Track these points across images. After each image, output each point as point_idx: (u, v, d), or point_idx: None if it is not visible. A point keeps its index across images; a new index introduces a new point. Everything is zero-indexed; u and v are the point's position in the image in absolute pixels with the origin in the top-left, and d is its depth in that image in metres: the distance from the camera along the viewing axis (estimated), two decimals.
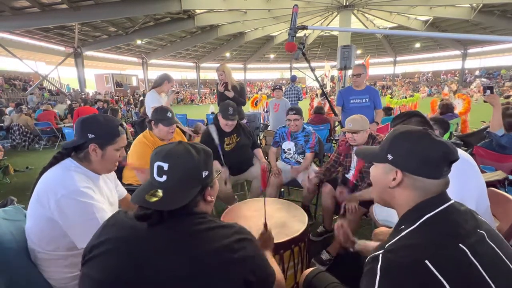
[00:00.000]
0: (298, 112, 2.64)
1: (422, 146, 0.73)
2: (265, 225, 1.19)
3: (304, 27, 2.30)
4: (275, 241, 1.20)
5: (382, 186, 0.82)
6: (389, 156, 0.77)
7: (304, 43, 2.57)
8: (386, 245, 0.69)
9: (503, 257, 0.65)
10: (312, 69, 3.27)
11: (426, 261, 0.60)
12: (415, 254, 0.63)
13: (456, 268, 0.60)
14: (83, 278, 0.74)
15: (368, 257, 0.69)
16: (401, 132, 0.78)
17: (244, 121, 3.71)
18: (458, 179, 1.26)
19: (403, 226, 0.73)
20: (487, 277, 0.60)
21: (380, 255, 0.65)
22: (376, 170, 0.84)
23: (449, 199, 0.73)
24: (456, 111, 4.90)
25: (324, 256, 2.04)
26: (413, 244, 0.66)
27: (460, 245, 0.63)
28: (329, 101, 3.56)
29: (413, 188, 0.75)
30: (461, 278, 0.60)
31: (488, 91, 2.22)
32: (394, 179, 0.77)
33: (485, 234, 0.68)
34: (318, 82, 3.47)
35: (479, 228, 0.69)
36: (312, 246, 2.21)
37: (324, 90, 3.56)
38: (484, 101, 2.28)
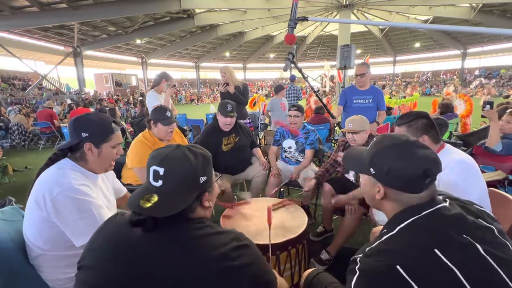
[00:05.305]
0: (299, 109, 2.64)
1: (401, 165, 0.73)
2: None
3: (305, 18, 2.25)
4: (272, 242, 1.18)
5: (370, 195, 0.84)
6: (372, 170, 0.79)
7: (293, 54, 2.55)
8: (367, 249, 0.71)
9: (493, 263, 0.63)
10: (305, 77, 3.25)
11: (398, 266, 0.62)
12: (388, 259, 0.65)
13: (428, 272, 0.62)
14: (78, 283, 0.73)
15: (351, 259, 0.73)
16: (382, 148, 0.78)
17: (247, 120, 3.69)
18: (461, 183, 1.25)
19: (385, 231, 0.75)
20: (466, 283, 0.60)
21: (358, 258, 0.69)
22: (364, 180, 0.87)
23: (435, 205, 0.73)
24: (457, 112, 4.90)
25: (324, 256, 2.03)
26: (388, 250, 0.68)
27: (436, 250, 0.64)
28: (325, 105, 3.55)
29: (397, 200, 0.77)
30: (433, 282, 0.61)
31: (488, 106, 2.26)
32: (378, 191, 0.79)
33: (470, 239, 0.66)
34: (312, 88, 3.45)
35: (467, 233, 0.68)
36: (312, 246, 2.20)
37: (319, 95, 3.53)
38: (482, 116, 2.33)
